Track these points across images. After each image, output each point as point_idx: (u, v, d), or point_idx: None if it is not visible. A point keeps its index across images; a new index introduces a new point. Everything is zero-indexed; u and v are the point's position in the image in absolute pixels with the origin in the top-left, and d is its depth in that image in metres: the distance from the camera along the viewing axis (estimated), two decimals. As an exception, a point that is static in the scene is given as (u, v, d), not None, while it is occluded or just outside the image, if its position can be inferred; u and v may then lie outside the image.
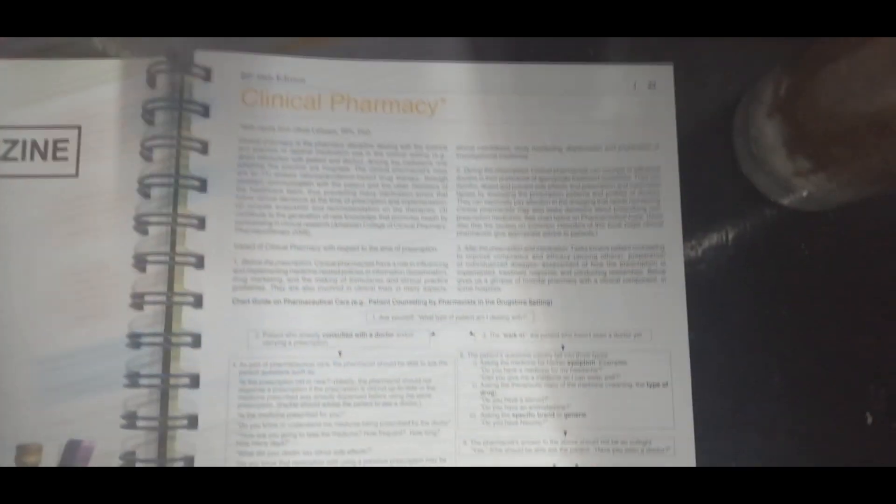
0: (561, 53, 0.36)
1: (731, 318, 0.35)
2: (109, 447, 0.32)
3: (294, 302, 0.33)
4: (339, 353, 0.33)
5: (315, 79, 0.35)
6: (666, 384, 0.33)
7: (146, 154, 0.33)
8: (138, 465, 0.31)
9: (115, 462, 0.31)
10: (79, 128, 0.34)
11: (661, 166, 0.35)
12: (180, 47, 0.34)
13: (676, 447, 0.33)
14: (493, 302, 0.34)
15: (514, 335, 0.33)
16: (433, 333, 0.33)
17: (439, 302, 0.33)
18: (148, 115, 0.34)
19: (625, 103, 0.35)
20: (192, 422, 0.32)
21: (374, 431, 0.32)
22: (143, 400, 0.32)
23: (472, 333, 0.33)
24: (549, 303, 0.34)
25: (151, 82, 0.34)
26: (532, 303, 0.34)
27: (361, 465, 0.32)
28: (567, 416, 0.33)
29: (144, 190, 0.33)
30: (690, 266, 0.35)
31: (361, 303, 0.33)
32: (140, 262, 0.33)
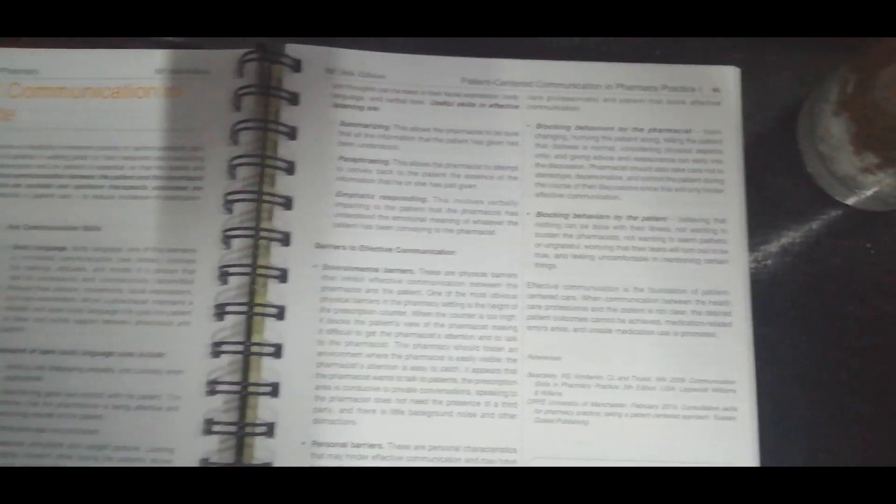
0: (626, 52, 0.37)
1: (797, 319, 0.36)
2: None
3: None
4: None
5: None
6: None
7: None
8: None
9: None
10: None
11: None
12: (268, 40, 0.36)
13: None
14: None
15: None
16: None
17: None
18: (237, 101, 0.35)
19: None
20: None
21: None
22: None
23: None
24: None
25: (240, 72, 0.36)
26: None
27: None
28: None
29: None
30: (755, 266, 0.36)
31: None
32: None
